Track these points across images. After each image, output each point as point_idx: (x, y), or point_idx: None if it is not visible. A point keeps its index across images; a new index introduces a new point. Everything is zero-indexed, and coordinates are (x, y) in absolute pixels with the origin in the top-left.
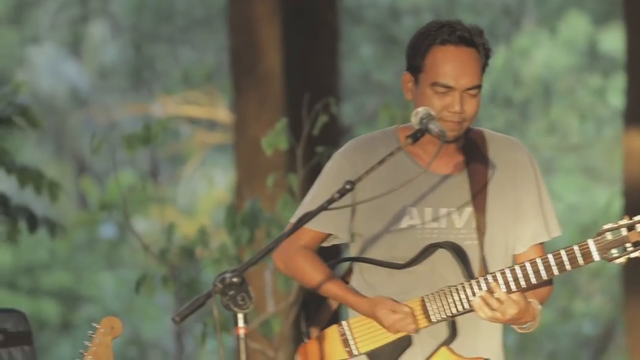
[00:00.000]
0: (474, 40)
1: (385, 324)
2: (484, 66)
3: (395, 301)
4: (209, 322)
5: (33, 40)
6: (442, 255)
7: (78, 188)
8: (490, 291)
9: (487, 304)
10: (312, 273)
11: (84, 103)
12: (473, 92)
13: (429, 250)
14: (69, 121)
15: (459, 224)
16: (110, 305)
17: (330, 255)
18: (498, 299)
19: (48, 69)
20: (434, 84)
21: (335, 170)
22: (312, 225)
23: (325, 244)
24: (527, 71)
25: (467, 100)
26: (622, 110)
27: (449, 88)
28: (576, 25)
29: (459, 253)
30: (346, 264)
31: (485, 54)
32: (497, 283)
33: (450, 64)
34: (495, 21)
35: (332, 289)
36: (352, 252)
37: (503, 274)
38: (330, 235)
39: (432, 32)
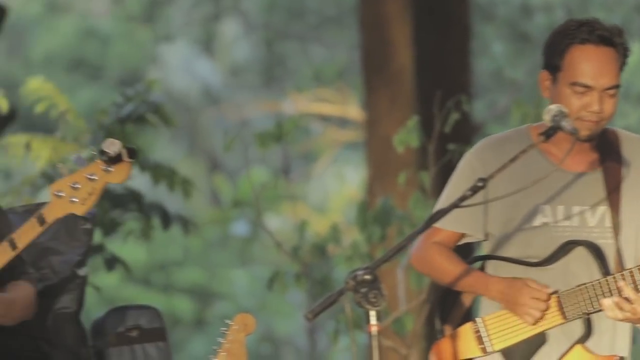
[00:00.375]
0: (613, 40)
1: (520, 301)
2: (622, 65)
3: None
4: (342, 320)
5: (166, 38)
6: (578, 253)
7: (211, 185)
8: (619, 291)
9: (619, 306)
10: (449, 266)
11: (216, 101)
12: (612, 92)
13: (565, 248)
14: (202, 119)
15: (591, 222)
16: (243, 303)
17: (462, 254)
18: (627, 299)
19: (181, 67)
20: (573, 83)
21: (466, 170)
22: (446, 226)
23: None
24: None
25: (605, 100)
26: None
27: (588, 88)
28: None
29: (597, 251)
30: (477, 263)
31: (623, 54)
32: (626, 283)
33: (589, 64)
34: (628, 18)
35: (470, 279)
36: (484, 250)
37: (632, 274)
38: (464, 235)
39: (571, 31)
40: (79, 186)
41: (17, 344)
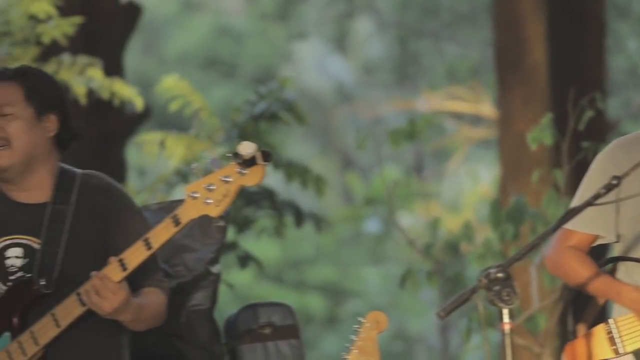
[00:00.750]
0: None
1: None
2: None
3: None
4: (474, 318)
5: (299, 36)
6: None
7: (343, 183)
8: None
9: None
10: (582, 271)
11: (349, 98)
12: None
13: None
14: (335, 117)
15: None
16: (375, 300)
17: (595, 256)
18: None
19: (314, 65)
20: None
21: (598, 171)
22: (579, 227)
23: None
24: None
25: None
26: None
27: None
28: None
29: None
30: (608, 265)
31: None
32: None
33: None
34: None
35: (602, 285)
36: (616, 252)
37: None
38: (597, 237)
39: None
40: (214, 188)
41: (151, 340)
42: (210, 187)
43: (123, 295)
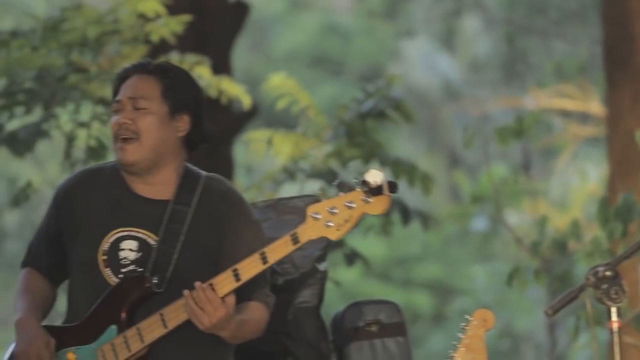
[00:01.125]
0: None
1: None
2: None
3: None
4: (582, 316)
5: (407, 33)
6: None
7: (450, 181)
8: None
9: None
10: None
11: (457, 96)
12: None
13: None
14: (442, 114)
15: None
16: (482, 298)
17: None
18: None
19: (421, 63)
20: None
21: None
22: None
23: None
24: None
25: None
26: None
27: None
28: None
29: None
30: None
31: None
32: None
33: None
34: None
35: None
36: None
37: None
38: None
39: None
40: (337, 211)
41: (258, 337)
42: (333, 210)
43: (223, 312)
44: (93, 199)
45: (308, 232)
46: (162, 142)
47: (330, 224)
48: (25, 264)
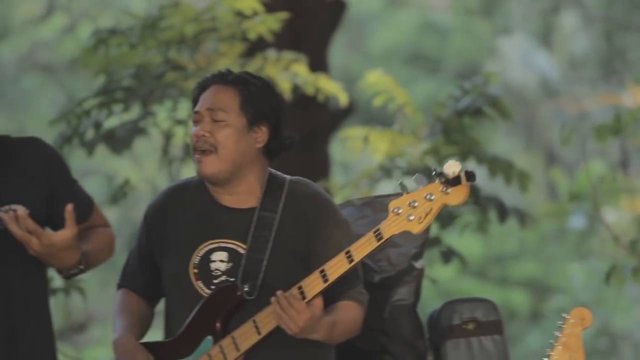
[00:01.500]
0: None
1: None
2: None
3: None
4: None
5: (504, 31)
6: None
7: (547, 178)
8: None
9: None
10: None
11: (554, 94)
12: None
13: None
14: (539, 112)
15: None
16: (579, 296)
17: None
18: None
19: (519, 60)
20: None
21: None
22: None
23: None
24: None
25: None
26: None
27: None
28: None
29: None
30: None
31: None
32: None
33: None
34: None
35: None
36: None
37: None
38: None
39: None
40: (417, 205)
41: (355, 335)
42: (414, 204)
43: (308, 315)
44: (181, 214)
45: (390, 227)
46: (240, 154)
47: (411, 217)
48: (120, 285)
